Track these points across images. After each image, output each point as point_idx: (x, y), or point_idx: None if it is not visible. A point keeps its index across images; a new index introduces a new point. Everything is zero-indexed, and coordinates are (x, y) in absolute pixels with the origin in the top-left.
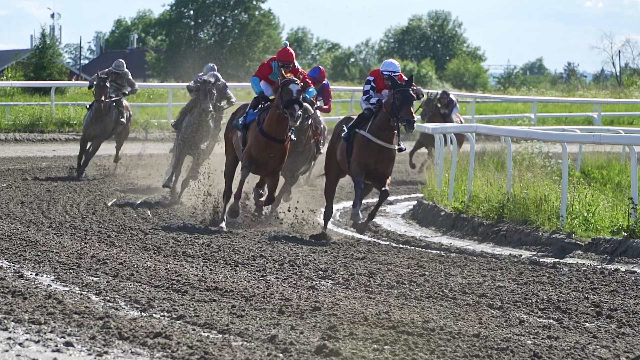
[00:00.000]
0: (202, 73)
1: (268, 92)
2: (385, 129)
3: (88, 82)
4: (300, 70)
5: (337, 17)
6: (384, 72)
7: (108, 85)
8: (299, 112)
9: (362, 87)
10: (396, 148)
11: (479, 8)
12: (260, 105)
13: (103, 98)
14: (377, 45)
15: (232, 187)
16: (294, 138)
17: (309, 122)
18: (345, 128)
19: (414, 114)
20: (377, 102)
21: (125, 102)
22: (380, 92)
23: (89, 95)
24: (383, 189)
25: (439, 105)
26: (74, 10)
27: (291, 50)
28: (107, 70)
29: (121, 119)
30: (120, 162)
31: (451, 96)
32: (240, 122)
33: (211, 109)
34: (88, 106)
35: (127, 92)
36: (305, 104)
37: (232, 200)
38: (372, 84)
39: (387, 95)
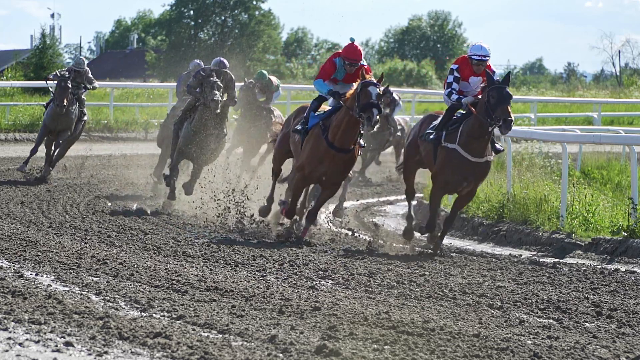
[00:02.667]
0: (190, 70)
1: (331, 89)
2: (478, 137)
3: (50, 79)
4: (367, 68)
5: (337, 17)
6: (473, 57)
7: (70, 85)
8: (377, 117)
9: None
10: (491, 158)
11: (479, 8)
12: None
13: (65, 102)
14: (377, 45)
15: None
16: (364, 144)
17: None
18: (430, 129)
19: (511, 113)
20: (457, 101)
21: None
22: (467, 80)
23: (89, 95)
24: (460, 210)
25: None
26: (74, 10)
27: (359, 47)
28: (67, 68)
29: (84, 118)
30: (61, 167)
31: (394, 95)
32: (299, 127)
33: (219, 97)
34: (46, 105)
35: (88, 87)
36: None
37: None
38: (456, 73)
39: (476, 88)
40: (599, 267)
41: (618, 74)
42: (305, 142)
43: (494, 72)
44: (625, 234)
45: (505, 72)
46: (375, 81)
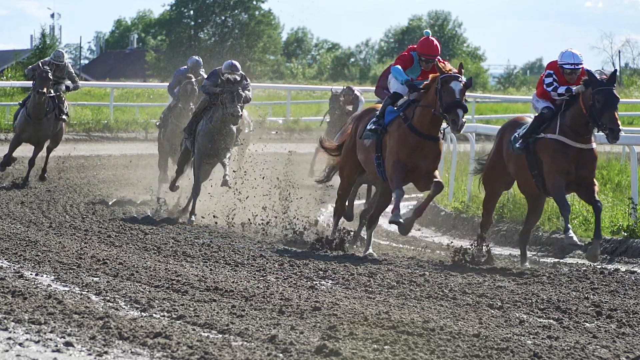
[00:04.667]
0: (186, 67)
1: (403, 89)
2: (581, 131)
3: (30, 74)
4: (447, 63)
5: (337, 17)
6: (565, 67)
7: (51, 77)
8: (463, 120)
9: (362, 87)
10: (594, 146)
11: (479, 8)
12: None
13: (45, 90)
14: (377, 45)
15: (344, 206)
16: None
17: None
18: (517, 136)
19: (618, 120)
20: (567, 91)
21: (65, 99)
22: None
23: (89, 95)
24: (595, 199)
25: (342, 97)
26: (74, 10)
27: (436, 41)
28: (46, 59)
29: (62, 116)
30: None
31: (356, 92)
32: (372, 127)
33: (241, 113)
34: (22, 102)
35: (69, 86)
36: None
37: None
38: (554, 76)
39: (579, 90)
40: (599, 267)
41: (618, 74)
42: (388, 137)
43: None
44: (625, 234)
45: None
46: (456, 73)
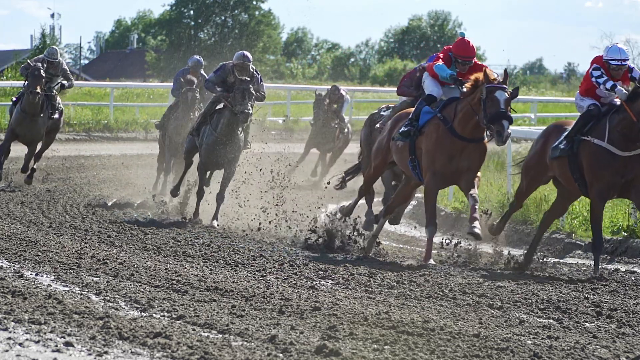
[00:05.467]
0: (188, 66)
1: (438, 91)
2: (632, 137)
3: (24, 73)
4: (485, 66)
5: (337, 17)
6: (612, 62)
7: (44, 74)
8: (509, 131)
9: (361, 87)
10: None
11: (479, 8)
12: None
13: (38, 89)
14: (377, 45)
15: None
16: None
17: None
18: (563, 137)
19: None
20: (612, 88)
21: (58, 97)
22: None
23: (89, 95)
24: None
25: (327, 100)
26: (74, 10)
27: (472, 43)
28: (40, 57)
29: (53, 116)
30: (38, 169)
31: (342, 91)
32: (405, 129)
33: (250, 110)
34: (15, 99)
35: (64, 84)
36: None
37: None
38: (602, 70)
39: (622, 98)
40: (599, 267)
41: None
42: (423, 140)
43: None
44: (625, 234)
45: None
46: (501, 83)
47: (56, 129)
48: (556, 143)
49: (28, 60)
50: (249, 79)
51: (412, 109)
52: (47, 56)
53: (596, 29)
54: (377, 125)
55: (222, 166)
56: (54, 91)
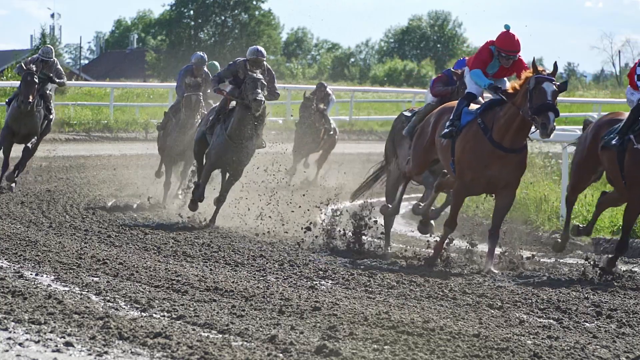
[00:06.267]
0: (191, 63)
1: (478, 89)
2: None
3: (19, 72)
4: (525, 64)
5: (337, 17)
6: None
7: (37, 80)
8: (554, 124)
9: (362, 87)
10: None
11: (479, 8)
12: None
13: (30, 99)
14: (377, 45)
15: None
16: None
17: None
18: (613, 134)
19: None
20: None
21: (52, 96)
22: None
23: (89, 95)
24: None
25: (314, 100)
26: (74, 10)
27: (517, 37)
28: (34, 56)
29: (50, 116)
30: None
31: (328, 90)
32: (447, 130)
33: (262, 98)
34: (9, 100)
35: (55, 80)
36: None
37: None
38: None
39: None
40: (600, 267)
41: (618, 74)
42: (459, 143)
43: None
44: None
45: None
46: (550, 75)
47: (48, 129)
48: (608, 135)
49: (22, 63)
50: (260, 76)
51: (456, 103)
52: (42, 55)
53: (596, 29)
54: (404, 132)
55: (230, 167)
56: (48, 91)
